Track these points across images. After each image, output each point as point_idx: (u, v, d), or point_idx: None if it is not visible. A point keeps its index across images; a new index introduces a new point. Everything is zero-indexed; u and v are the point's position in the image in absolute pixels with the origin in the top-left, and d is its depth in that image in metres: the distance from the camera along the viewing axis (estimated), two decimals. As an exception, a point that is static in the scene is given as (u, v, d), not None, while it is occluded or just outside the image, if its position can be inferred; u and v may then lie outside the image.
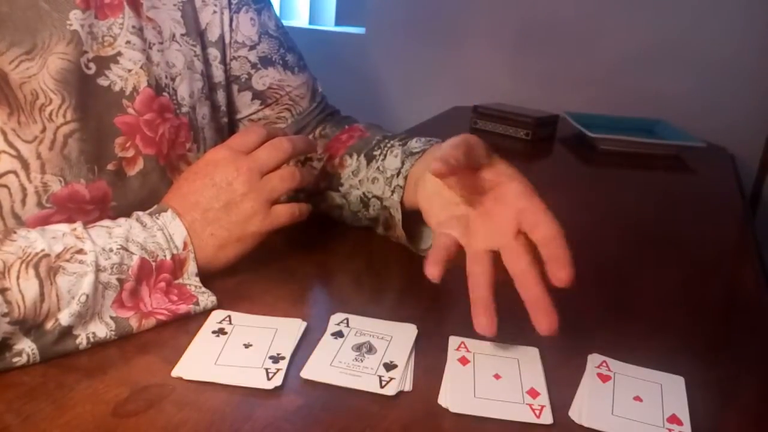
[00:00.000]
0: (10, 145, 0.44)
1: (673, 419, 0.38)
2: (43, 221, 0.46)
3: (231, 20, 0.61)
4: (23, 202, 0.45)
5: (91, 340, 0.40)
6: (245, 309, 0.46)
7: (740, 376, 0.44)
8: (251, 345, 0.42)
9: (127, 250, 0.43)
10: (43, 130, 0.45)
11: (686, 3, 1.27)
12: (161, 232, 0.46)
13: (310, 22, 1.75)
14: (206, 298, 0.46)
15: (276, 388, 0.38)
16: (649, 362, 0.43)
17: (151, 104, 0.51)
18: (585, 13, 1.36)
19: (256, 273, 0.52)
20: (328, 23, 1.73)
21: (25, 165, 0.45)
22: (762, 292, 0.57)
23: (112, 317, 0.41)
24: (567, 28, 1.38)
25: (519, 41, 1.43)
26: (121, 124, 0.50)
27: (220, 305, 0.46)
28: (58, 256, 0.40)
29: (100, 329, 0.41)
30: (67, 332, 0.39)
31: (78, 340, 0.40)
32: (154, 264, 0.44)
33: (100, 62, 0.49)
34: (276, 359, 0.40)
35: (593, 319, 0.50)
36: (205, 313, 0.45)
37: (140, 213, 0.47)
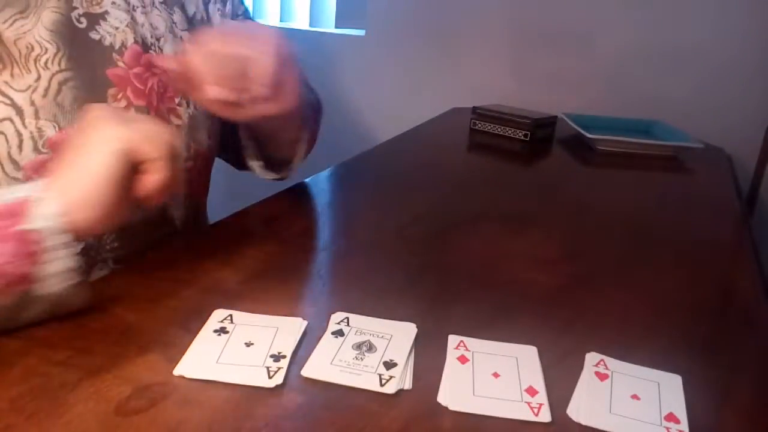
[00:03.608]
0: (3, 94, 0.46)
1: (671, 417, 0.38)
2: (41, 166, 0.48)
3: (206, 7, 0.65)
4: (20, 147, 0.47)
5: None
6: (246, 308, 0.46)
7: (737, 375, 0.44)
8: (252, 344, 0.42)
9: None
10: (38, 78, 0.48)
11: (684, 4, 1.27)
12: (7, 188, 0.41)
13: (311, 24, 1.75)
14: (59, 259, 0.40)
15: (277, 387, 0.38)
16: (646, 361, 0.43)
17: (139, 59, 0.55)
18: (583, 15, 1.36)
19: (258, 272, 0.53)
20: (328, 25, 1.74)
21: (20, 111, 0.47)
22: (758, 291, 0.58)
23: None
24: (565, 29, 1.38)
25: (517, 43, 1.43)
26: (113, 76, 0.53)
27: (221, 305, 0.46)
28: None
29: None
30: None
31: None
32: None
33: (90, 18, 0.52)
34: (277, 358, 0.40)
35: (591, 318, 0.50)
36: (56, 283, 0.41)
37: None
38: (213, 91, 0.47)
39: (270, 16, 1.85)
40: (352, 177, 0.87)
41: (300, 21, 1.78)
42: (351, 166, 0.90)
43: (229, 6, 0.68)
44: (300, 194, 0.76)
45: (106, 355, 0.40)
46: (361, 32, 1.64)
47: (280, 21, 1.79)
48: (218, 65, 0.47)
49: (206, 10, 0.65)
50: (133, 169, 0.42)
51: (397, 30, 1.57)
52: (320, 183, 0.81)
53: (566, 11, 1.37)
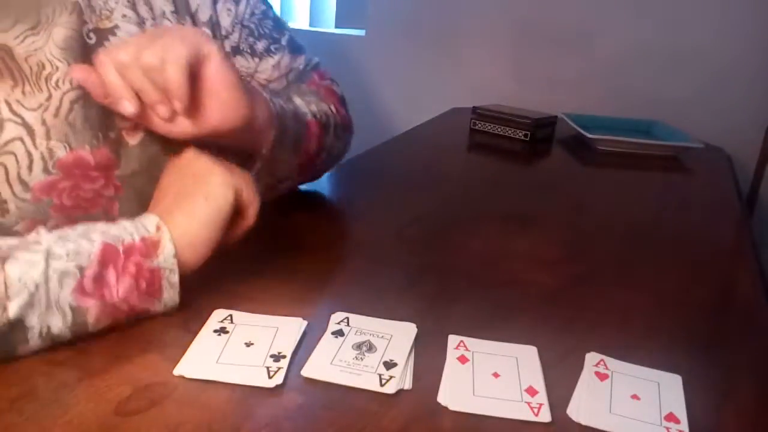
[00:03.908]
0: (15, 113, 0.45)
1: (671, 417, 0.38)
2: (50, 187, 0.47)
3: (214, 6, 0.62)
4: (30, 168, 0.46)
5: (44, 334, 0.39)
6: (246, 308, 0.46)
7: (737, 375, 0.44)
8: (252, 344, 0.42)
9: (86, 237, 0.41)
10: (49, 97, 0.47)
11: (685, 4, 1.27)
12: (129, 222, 0.44)
13: (311, 24, 1.75)
14: (171, 296, 0.44)
15: (277, 387, 0.38)
16: (646, 361, 0.43)
17: None
18: (583, 15, 1.36)
19: (258, 273, 0.53)
20: (329, 25, 1.74)
21: (30, 131, 0.46)
22: (758, 291, 0.58)
23: (71, 306, 0.39)
24: (565, 29, 1.38)
25: (518, 43, 1.44)
26: None
27: (221, 305, 0.46)
28: (12, 246, 0.39)
29: (56, 321, 0.39)
30: (17, 325, 0.38)
31: (29, 334, 0.38)
32: (121, 248, 0.42)
33: (99, 34, 0.51)
34: (277, 358, 0.40)
35: (591, 318, 0.50)
36: (166, 313, 0.45)
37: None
38: (124, 107, 0.45)
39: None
40: (352, 177, 0.87)
41: (300, 21, 1.79)
42: (351, 166, 0.90)
43: (243, 5, 0.65)
44: (300, 194, 0.76)
45: (106, 355, 0.40)
46: (361, 32, 1.64)
47: (280, 21, 1.79)
48: (131, 77, 0.44)
49: (214, 9, 0.62)
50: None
51: (397, 30, 1.57)
52: (320, 183, 0.81)
53: (566, 11, 1.37)
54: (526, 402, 0.38)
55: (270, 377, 0.38)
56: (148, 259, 0.42)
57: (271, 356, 0.41)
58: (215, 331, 0.43)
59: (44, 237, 0.40)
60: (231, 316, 0.45)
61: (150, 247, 0.43)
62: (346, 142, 0.74)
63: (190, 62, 0.44)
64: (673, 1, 1.28)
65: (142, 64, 0.44)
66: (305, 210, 0.72)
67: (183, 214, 0.45)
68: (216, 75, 0.46)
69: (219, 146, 0.51)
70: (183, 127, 0.48)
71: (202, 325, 0.44)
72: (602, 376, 0.41)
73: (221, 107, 0.47)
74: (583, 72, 1.38)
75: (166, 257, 0.43)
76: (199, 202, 0.45)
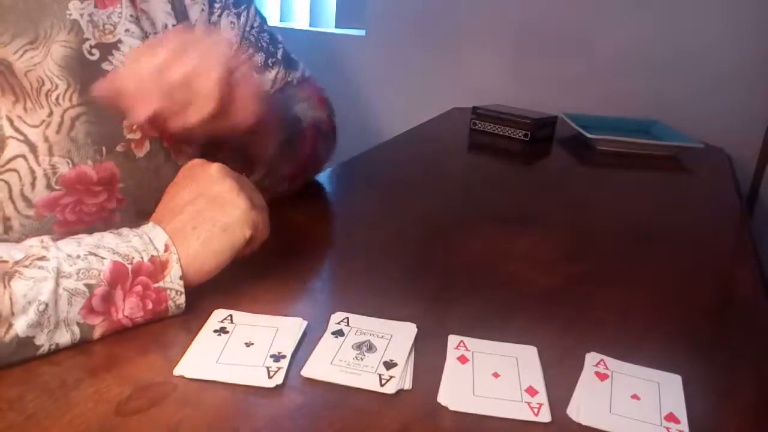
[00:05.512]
0: (17, 130, 0.45)
1: (671, 417, 0.38)
2: (53, 203, 0.47)
3: (215, 24, 0.64)
4: (33, 185, 0.46)
5: (52, 350, 0.40)
6: (247, 308, 0.46)
7: (737, 374, 0.44)
8: (252, 344, 0.42)
9: (96, 255, 0.41)
10: (50, 114, 0.47)
11: (684, 5, 1.27)
12: (138, 237, 0.44)
13: (311, 24, 1.75)
14: (175, 314, 0.45)
15: (277, 387, 0.38)
16: (646, 361, 0.43)
17: None
18: (583, 15, 1.36)
19: (257, 272, 0.53)
20: (328, 25, 1.74)
21: (33, 148, 0.46)
22: (759, 291, 0.58)
23: (78, 324, 0.40)
24: (565, 29, 1.38)
25: (518, 43, 1.43)
26: None
27: (221, 305, 0.46)
28: (17, 262, 0.39)
29: (64, 339, 0.40)
30: (26, 342, 0.38)
31: (38, 352, 0.39)
32: (129, 267, 0.42)
33: (103, 48, 0.50)
34: (277, 358, 0.40)
35: (591, 318, 0.50)
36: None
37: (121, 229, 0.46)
38: (137, 113, 0.45)
39: (270, 16, 1.85)
40: (351, 177, 0.87)
41: (300, 21, 1.78)
42: (351, 166, 0.90)
43: (243, 18, 0.66)
44: (299, 194, 0.76)
45: (106, 355, 0.40)
46: (361, 32, 1.64)
47: (280, 21, 1.79)
48: (153, 81, 0.44)
49: (219, 21, 0.63)
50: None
51: (397, 30, 1.57)
52: (320, 183, 0.81)
53: (567, 11, 1.37)
54: (526, 402, 0.38)
55: (270, 377, 0.38)
56: (154, 279, 0.43)
57: (271, 356, 0.41)
58: (215, 331, 0.43)
59: (52, 253, 0.40)
60: (231, 316, 0.45)
61: (158, 266, 0.43)
62: (332, 151, 0.77)
63: (221, 77, 0.45)
64: (674, 1, 1.28)
65: (168, 80, 0.44)
66: (305, 210, 0.72)
67: (198, 241, 0.45)
68: (239, 82, 0.47)
69: (230, 147, 0.52)
70: (201, 127, 0.47)
71: (202, 325, 0.44)
72: (602, 376, 0.41)
73: (240, 110, 0.48)
74: (583, 72, 1.38)
75: (172, 278, 0.43)
76: (215, 233, 0.45)
